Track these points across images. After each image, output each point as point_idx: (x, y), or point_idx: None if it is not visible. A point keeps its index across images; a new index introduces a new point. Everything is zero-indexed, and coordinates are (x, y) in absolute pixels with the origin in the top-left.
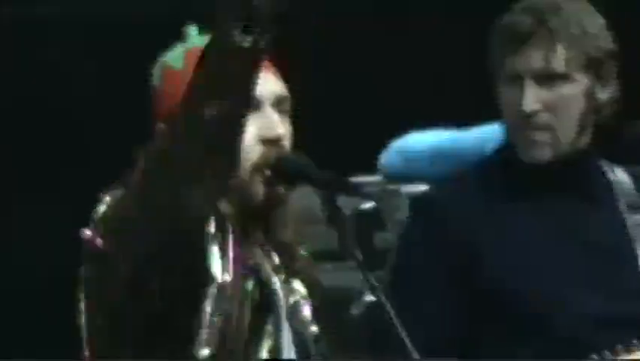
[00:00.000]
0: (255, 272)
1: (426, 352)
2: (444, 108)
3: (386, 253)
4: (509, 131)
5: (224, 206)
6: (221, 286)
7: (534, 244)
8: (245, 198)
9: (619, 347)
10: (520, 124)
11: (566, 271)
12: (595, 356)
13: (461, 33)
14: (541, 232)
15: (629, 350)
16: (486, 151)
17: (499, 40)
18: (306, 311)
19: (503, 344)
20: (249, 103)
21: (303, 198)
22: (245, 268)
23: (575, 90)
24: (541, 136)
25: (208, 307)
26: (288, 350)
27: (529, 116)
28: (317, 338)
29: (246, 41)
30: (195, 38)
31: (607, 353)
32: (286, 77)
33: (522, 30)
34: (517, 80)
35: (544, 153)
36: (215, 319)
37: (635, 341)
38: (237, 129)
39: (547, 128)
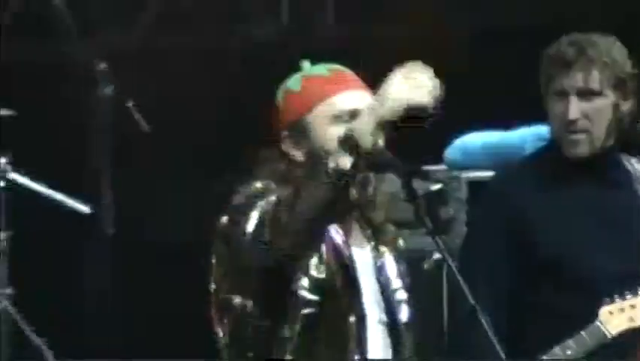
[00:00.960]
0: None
1: (481, 298)
2: (494, 113)
3: (449, 222)
4: (556, 134)
5: None
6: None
7: (573, 219)
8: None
9: (627, 294)
10: (565, 128)
11: (595, 239)
12: (608, 299)
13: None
14: (579, 210)
15: (635, 294)
16: (526, 148)
17: (548, 65)
18: (391, 270)
19: (548, 296)
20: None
21: (389, 185)
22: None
23: (606, 103)
24: (581, 137)
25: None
26: (373, 305)
27: (573, 122)
28: (400, 290)
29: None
30: (308, 69)
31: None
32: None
33: (568, 58)
34: (564, 95)
35: (582, 150)
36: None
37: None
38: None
39: (585, 131)
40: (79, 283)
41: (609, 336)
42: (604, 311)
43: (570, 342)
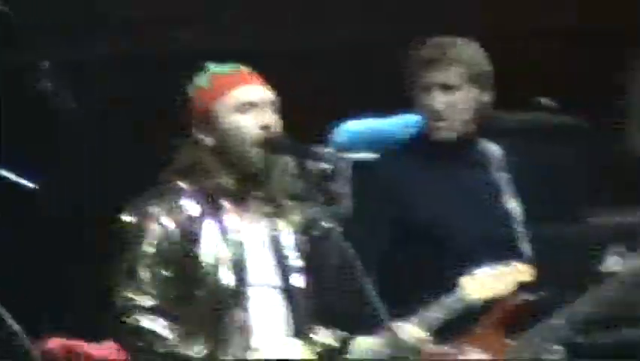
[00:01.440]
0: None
1: (364, 259)
2: (377, 101)
3: (336, 196)
4: (423, 121)
5: (224, 179)
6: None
7: (441, 193)
8: (246, 167)
9: (488, 265)
10: (431, 117)
11: (459, 211)
12: (470, 270)
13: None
14: (445, 186)
15: (495, 267)
16: (404, 133)
17: (415, 64)
18: (286, 241)
19: (421, 258)
20: None
21: (287, 165)
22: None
23: (465, 96)
24: (444, 125)
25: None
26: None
27: (437, 112)
28: (294, 259)
29: None
30: (213, 68)
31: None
32: (271, 86)
33: (432, 57)
34: (429, 89)
35: (445, 136)
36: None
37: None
38: None
39: (447, 120)
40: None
41: (468, 302)
42: (466, 279)
43: (434, 306)
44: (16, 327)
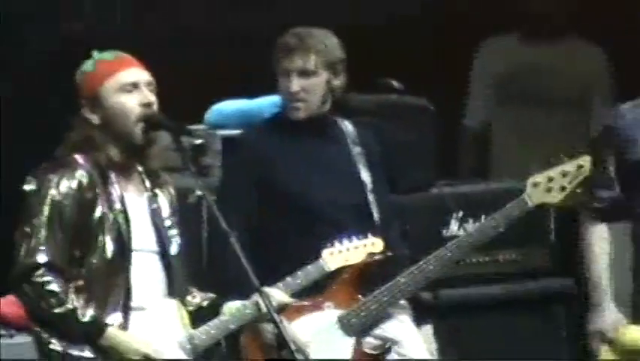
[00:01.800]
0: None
1: (235, 227)
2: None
3: (208, 168)
4: (283, 103)
5: (111, 152)
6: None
7: (301, 165)
8: (129, 141)
9: (345, 239)
10: (289, 99)
11: (318, 180)
12: (330, 243)
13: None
14: (305, 158)
15: (350, 241)
16: (265, 112)
17: (277, 51)
18: (165, 211)
19: (285, 225)
20: None
21: (163, 140)
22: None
23: (320, 80)
24: (300, 105)
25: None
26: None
27: (293, 94)
28: (171, 227)
29: None
30: (98, 55)
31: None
32: (148, 68)
33: (291, 46)
34: (287, 74)
35: (301, 115)
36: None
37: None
38: None
39: (303, 101)
40: None
41: (327, 270)
42: (326, 253)
43: (298, 274)
44: None
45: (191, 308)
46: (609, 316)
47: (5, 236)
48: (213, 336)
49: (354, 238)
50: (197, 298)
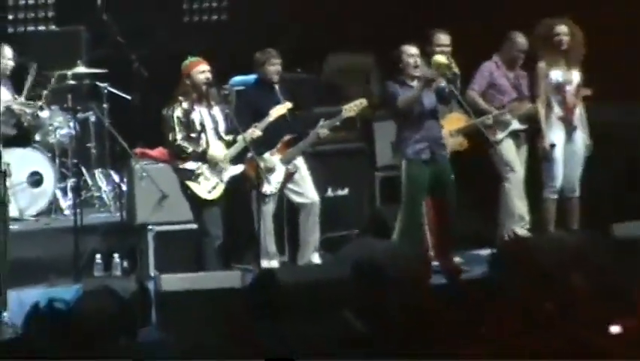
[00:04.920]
0: None
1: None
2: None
3: (230, 99)
4: (261, 75)
5: (194, 96)
6: None
7: (269, 102)
8: (201, 92)
9: None
10: (271, 74)
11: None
12: None
13: None
14: (271, 99)
15: None
16: (248, 82)
17: (264, 54)
18: (218, 117)
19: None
20: None
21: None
22: None
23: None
24: (275, 77)
25: None
26: None
27: (275, 72)
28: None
29: None
30: (190, 58)
31: None
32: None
33: (273, 54)
34: (272, 65)
35: (274, 79)
36: None
37: None
38: None
39: (277, 74)
40: None
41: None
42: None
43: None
44: None
45: None
46: None
47: None
48: None
49: None
50: None
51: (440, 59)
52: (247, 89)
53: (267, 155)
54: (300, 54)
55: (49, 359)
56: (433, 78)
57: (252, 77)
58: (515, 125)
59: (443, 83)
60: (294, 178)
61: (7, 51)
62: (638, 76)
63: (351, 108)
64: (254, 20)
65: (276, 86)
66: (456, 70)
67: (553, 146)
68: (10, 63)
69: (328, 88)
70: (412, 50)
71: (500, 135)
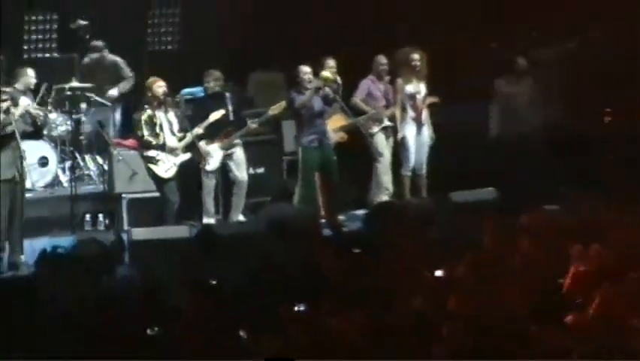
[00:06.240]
0: None
1: None
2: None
3: (181, 106)
4: (204, 89)
5: (155, 103)
6: None
7: (213, 108)
8: (160, 101)
9: None
10: (212, 89)
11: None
12: None
13: None
14: (215, 106)
15: None
16: (196, 93)
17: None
18: (172, 119)
19: None
20: None
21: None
22: None
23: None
24: (216, 87)
25: None
26: None
27: (213, 88)
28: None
29: None
30: (150, 79)
31: None
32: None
33: (217, 75)
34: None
35: (212, 91)
36: None
37: None
38: None
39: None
40: None
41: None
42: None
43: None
44: None
45: None
46: None
47: None
48: None
49: None
50: None
51: (326, 74)
52: (197, 99)
53: (211, 145)
54: (232, 73)
55: (49, 359)
56: (320, 87)
57: (197, 89)
58: (386, 122)
59: (328, 90)
60: (233, 158)
61: (30, 72)
62: (466, 87)
63: (275, 108)
64: (197, 48)
65: (220, 97)
66: (339, 81)
67: (403, 138)
68: (33, 80)
69: (254, 96)
70: (306, 69)
71: (375, 130)
